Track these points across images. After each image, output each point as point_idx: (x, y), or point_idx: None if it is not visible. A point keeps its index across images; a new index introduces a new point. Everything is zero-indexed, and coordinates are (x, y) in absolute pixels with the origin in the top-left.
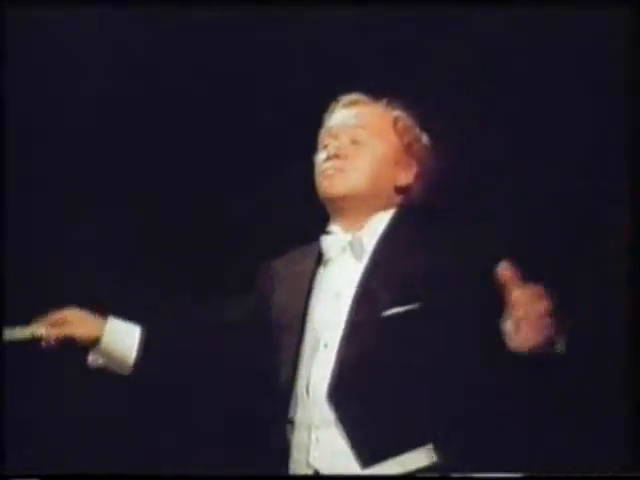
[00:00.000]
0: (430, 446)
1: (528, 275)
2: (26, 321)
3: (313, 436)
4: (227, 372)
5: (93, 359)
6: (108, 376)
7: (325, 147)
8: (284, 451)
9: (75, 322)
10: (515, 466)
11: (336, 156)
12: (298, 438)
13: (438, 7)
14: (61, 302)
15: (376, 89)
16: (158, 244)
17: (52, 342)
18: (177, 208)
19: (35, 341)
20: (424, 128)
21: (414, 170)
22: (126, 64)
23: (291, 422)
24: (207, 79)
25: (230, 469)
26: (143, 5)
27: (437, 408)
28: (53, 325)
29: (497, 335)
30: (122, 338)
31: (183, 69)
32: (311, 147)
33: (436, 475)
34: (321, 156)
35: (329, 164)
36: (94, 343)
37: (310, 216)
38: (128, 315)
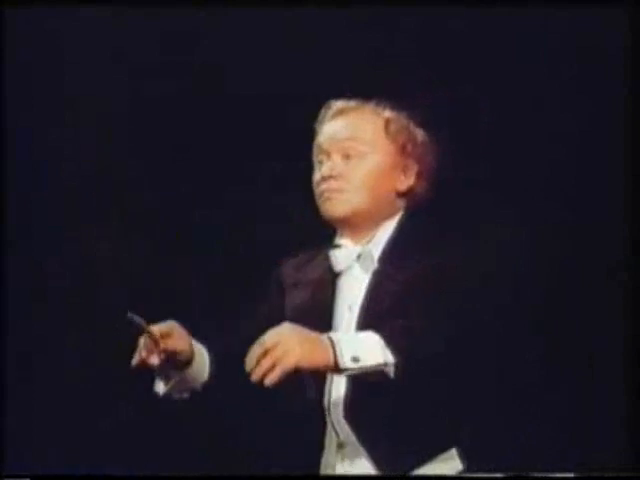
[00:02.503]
0: (453, 451)
1: (528, 275)
2: (25, 320)
3: (339, 455)
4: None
5: (174, 382)
6: (107, 377)
7: (319, 164)
8: (315, 469)
9: (178, 337)
10: (517, 466)
11: (331, 177)
12: (326, 457)
13: (438, 7)
14: (61, 302)
15: (372, 89)
16: (158, 244)
17: (155, 352)
18: (176, 207)
19: (141, 334)
20: (420, 124)
21: (414, 170)
22: (126, 64)
23: (321, 442)
24: (207, 79)
25: None
26: (143, 5)
27: (455, 412)
28: (162, 335)
29: (510, 335)
30: (203, 359)
31: (183, 69)
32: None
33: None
34: (316, 176)
35: (325, 186)
36: (189, 363)
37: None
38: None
